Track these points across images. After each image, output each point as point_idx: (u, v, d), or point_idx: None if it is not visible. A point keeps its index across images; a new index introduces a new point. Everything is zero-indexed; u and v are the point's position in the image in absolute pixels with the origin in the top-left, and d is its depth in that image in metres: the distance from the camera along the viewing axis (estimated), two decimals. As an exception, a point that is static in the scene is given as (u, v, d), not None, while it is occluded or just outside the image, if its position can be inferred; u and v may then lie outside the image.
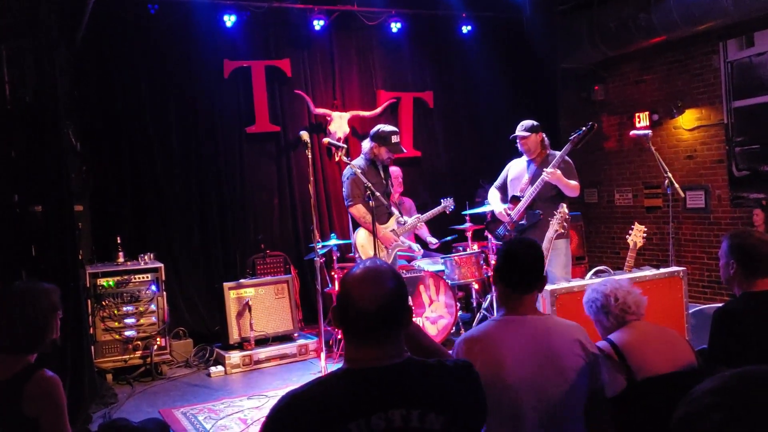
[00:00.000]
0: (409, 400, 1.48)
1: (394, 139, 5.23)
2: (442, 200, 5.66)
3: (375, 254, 4.79)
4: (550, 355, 2.18)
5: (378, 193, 4.76)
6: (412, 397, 1.49)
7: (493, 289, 2.37)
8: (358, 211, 5.14)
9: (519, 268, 2.30)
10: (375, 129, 5.32)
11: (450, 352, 2.25)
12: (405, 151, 5.63)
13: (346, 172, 5.28)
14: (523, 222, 5.05)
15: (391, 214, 5.32)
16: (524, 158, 5.24)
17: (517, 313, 2.29)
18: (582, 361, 2.19)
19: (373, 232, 4.73)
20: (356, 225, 5.31)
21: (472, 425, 1.56)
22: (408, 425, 1.46)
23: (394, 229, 5.29)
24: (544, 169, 4.87)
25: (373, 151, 5.23)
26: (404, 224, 5.39)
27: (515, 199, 5.13)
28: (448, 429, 1.48)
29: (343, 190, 5.27)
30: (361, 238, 5.23)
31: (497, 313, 2.38)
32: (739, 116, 6.76)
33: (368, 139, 5.31)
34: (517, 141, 5.16)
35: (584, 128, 4.90)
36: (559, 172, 4.84)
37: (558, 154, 5.00)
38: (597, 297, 2.62)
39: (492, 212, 5.56)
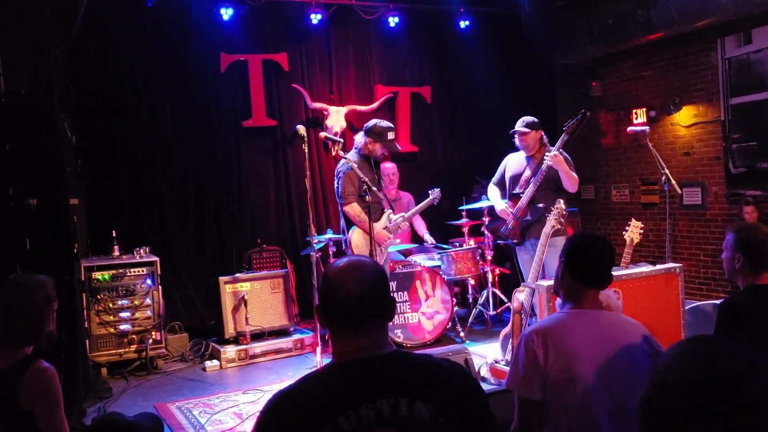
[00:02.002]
0: (396, 390, 1.49)
1: (390, 135, 5.12)
2: (429, 191, 5.59)
3: (371, 253, 4.71)
4: (622, 350, 2.12)
5: (375, 188, 4.73)
6: (400, 386, 1.50)
7: (558, 281, 2.31)
8: (353, 209, 5.05)
9: (594, 264, 2.25)
10: (371, 123, 5.20)
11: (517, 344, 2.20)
12: (399, 149, 5.55)
13: (340, 167, 5.18)
14: (527, 218, 5.04)
15: (383, 211, 5.26)
16: (522, 153, 5.22)
17: (583, 307, 2.24)
18: (649, 358, 2.14)
19: (370, 230, 4.69)
20: (349, 224, 5.20)
21: (463, 417, 1.54)
22: (396, 414, 1.46)
23: (386, 227, 5.24)
24: (546, 154, 4.86)
25: (367, 147, 5.11)
26: (394, 221, 5.33)
27: (515, 197, 5.10)
28: (436, 418, 1.48)
29: (337, 187, 5.16)
30: (356, 237, 5.13)
31: (563, 306, 2.34)
32: (737, 113, 6.76)
33: (362, 134, 5.19)
34: (516, 136, 5.13)
35: (577, 117, 4.91)
36: (561, 156, 4.83)
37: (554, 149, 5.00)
38: None
39: (491, 210, 5.54)
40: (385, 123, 5.22)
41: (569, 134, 4.92)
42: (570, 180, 4.92)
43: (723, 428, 0.97)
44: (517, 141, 5.16)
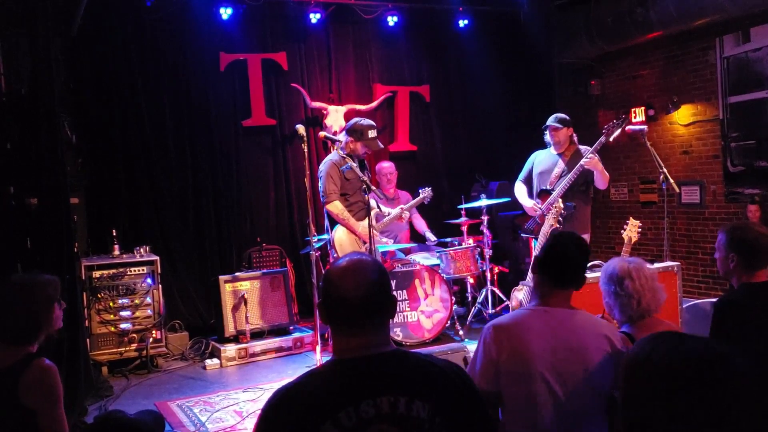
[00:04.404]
0: (396, 388, 1.51)
1: (371, 133, 5.06)
2: (419, 190, 5.56)
3: (369, 249, 4.72)
4: (575, 348, 2.17)
5: (374, 187, 4.74)
6: (400, 384, 1.52)
7: (530, 277, 2.34)
8: (336, 207, 5.04)
9: (562, 263, 2.28)
10: (351, 122, 5.14)
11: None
12: (382, 146, 5.51)
13: (321, 167, 5.15)
14: None
15: (369, 210, 5.26)
16: (550, 151, 5.24)
17: (548, 305, 2.27)
18: (608, 357, 2.17)
19: (369, 226, 4.69)
20: (333, 223, 5.19)
21: (460, 418, 1.56)
22: (395, 412, 1.48)
23: (372, 225, 5.23)
24: (585, 157, 4.92)
25: (348, 146, 5.05)
26: (387, 215, 5.31)
27: (545, 193, 5.11)
28: (434, 417, 1.50)
29: (320, 185, 5.13)
30: (339, 236, 5.12)
31: (530, 302, 2.37)
32: (735, 112, 6.78)
33: (343, 133, 5.15)
34: (548, 132, 5.16)
35: (617, 121, 4.99)
36: (597, 157, 4.90)
37: (587, 148, 5.07)
38: (620, 292, 2.48)
39: (489, 210, 5.54)
40: (366, 121, 5.16)
41: (607, 137, 4.99)
42: (604, 178, 5.02)
43: (683, 409, 1.09)
44: (548, 136, 5.19)
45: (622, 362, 1.19)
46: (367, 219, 5.11)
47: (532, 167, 5.34)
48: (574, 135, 5.21)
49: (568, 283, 2.29)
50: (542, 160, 5.28)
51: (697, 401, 1.06)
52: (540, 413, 2.12)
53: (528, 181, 5.36)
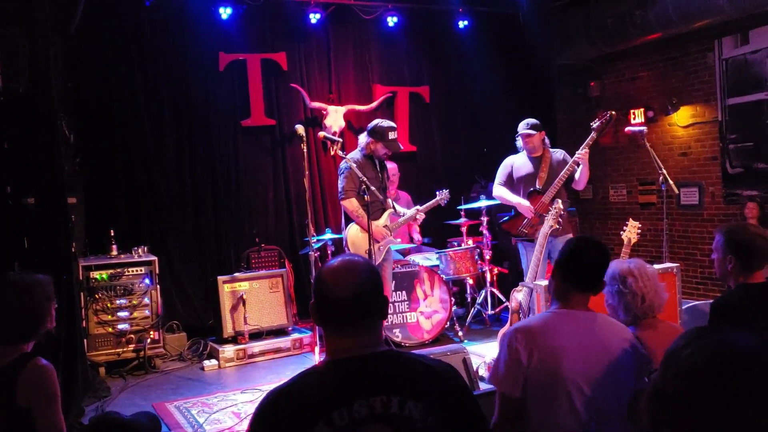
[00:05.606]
0: (389, 388, 1.51)
1: (392, 135, 5.11)
2: (437, 192, 5.47)
3: (369, 250, 4.73)
4: (601, 349, 2.16)
5: (373, 188, 4.74)
6: (392, 384, 1.52)
7: (550, 281, 2.31)
8: (351, 204, 5.05)
9: (584, 267, 2.26)
10: (373, 123, 5.19)
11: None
12: (402, 148, 5.54)
13: (343, 165, 5.22)
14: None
15: (384, 210, 5.26)
16: (523, 155, 5.25)
17: (570, 308, 2.25)
18: (630, 357, 2.18)
19: (368, 227, 4.70)
20: (348, 220, 5.23)
21: (453, 417, 1.56)
22: (388, 412, 1.49)
23: (386, 225, 5.23)
24: (577, 152, 4.98)
25: (369, 146, 5.11)
26: (403, 216, 5.32)
27: (536, 193, 5.11)
28: (426, 417, 1.50)
29: (339, 183, 5.22)
30: (352, 233, 5.13)
31: (551, 305, 2.34)
32: (734, 114, 6.78)
33: (365, 134, 5.20)
34: (521, 139, 5.16)
35: (605, 117, 5.00)
36: (588, 154, 4.97)
37: (559, 151, 5.15)
38: (623, 290, 2.53)
39: (489, 210, 5.53)
40: (387, 123, 5.20)
41: (598, 133, 5.01)
42: (587, 177, 5.08)
43: (730, 410, 1.06)
44: (521, 143, 5.18)
45: (664, 355, 1.18)
46: (381, 218, 5.15)
47: (512, 171, 5.32)
48: (546, 138, 5.22)
49: (588, 286, 2.27)
50: (521, 165, 5.28)
51: (743, 398, 1.05)
52: (567, 415, 2.10)
53: (508, 186, 5.34)
